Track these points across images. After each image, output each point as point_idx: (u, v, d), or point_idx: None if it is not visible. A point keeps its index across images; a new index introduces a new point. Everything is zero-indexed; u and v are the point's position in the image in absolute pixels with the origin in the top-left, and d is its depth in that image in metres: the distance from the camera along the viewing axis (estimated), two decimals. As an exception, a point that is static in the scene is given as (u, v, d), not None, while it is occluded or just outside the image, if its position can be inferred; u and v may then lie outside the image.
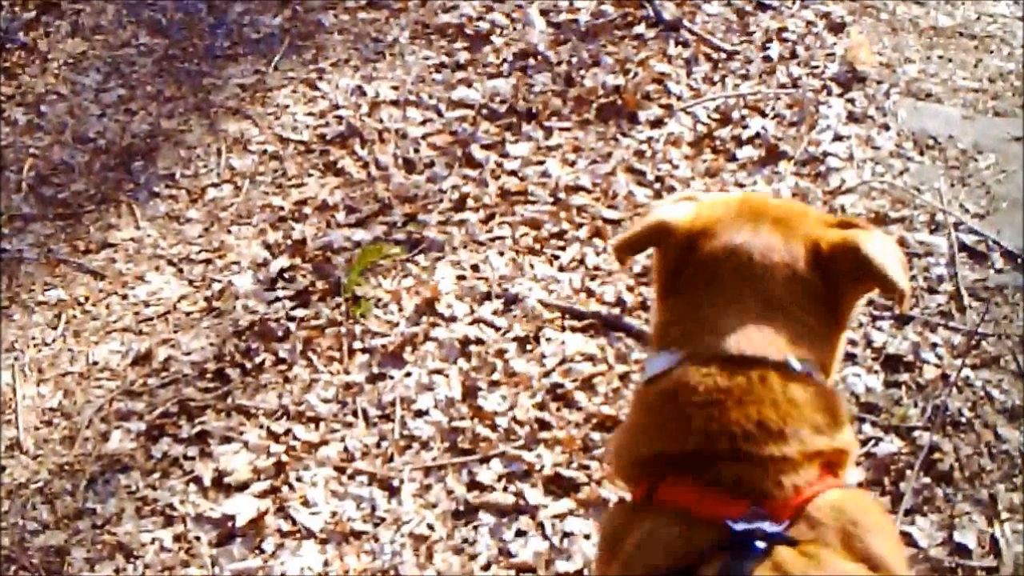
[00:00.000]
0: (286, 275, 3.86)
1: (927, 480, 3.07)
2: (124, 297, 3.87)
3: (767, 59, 4.68)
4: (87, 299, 3.87)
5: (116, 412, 3.45)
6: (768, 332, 1.75)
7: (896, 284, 1.73)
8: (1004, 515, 2.99)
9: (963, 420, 3.22)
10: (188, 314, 3.77)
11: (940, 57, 4.69)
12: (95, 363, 3.63)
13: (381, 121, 4.51)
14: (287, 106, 4.69)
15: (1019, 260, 3.71)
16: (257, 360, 3.56)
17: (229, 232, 4.08)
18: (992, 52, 4.71)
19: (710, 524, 1.61)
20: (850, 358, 3.38)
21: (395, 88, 4.70)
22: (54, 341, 3.74)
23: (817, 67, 4.61)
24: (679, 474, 1.70)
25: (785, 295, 1.78)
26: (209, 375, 3.56)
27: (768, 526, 1.59)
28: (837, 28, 4.81)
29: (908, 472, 3.07)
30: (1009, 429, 3.20)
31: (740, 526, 1.59)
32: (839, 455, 1.74)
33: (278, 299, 3.77)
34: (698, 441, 1.69)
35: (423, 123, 4.51)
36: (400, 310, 3.70)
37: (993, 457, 3.13)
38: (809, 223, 1.86)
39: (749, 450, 1.66)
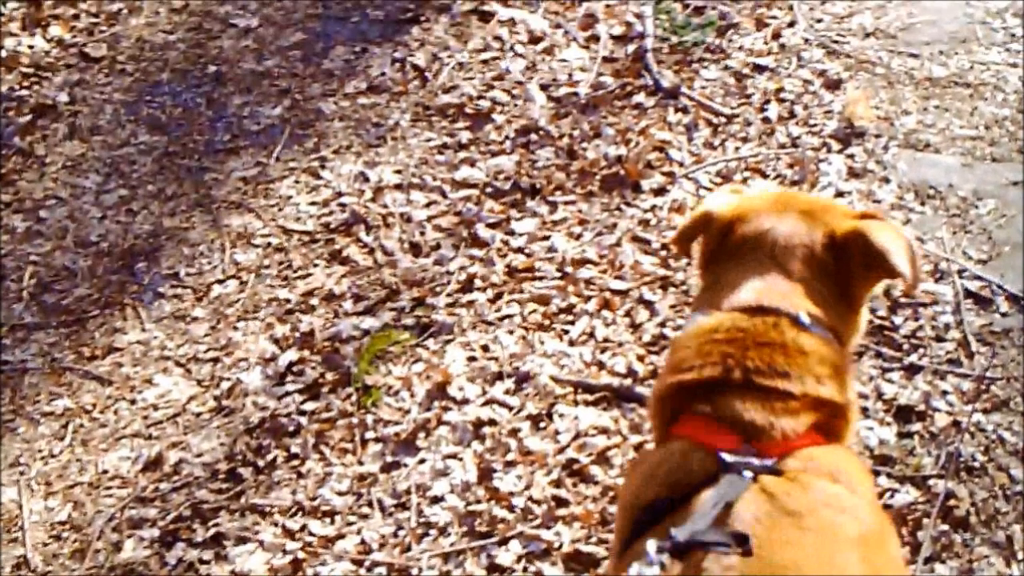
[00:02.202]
0: (295, 369, 3.99)
1: (944, 527, 3.19)
2: (132, 402, 3.98)
3: (766, 120, 4.82)
4: (94, 406, 3.98)
5: (128, 520, 3.56)
6: (785, 291, 2.15)
7: (898, 268, 2.10)
8: (1021, 555, 3.13)
9: (976, 465, 3.35)
10: (198, 415, 3.89)
11: (936, 107, 4.82)
12: (105, 471, 3.74)
13: (385, 206, 4.65)
14: (290, 197, 4.83)
15: (1023, 303, 3.82)
16: (269, 457, 3.69)
17: (236, 328, 4.20)
18: (987, 99, 4.84)
19: (707, 453, 1.93)
20: (863, 411, 3.48)
21: (398, 172, 4.84)
22: (61, 452, 3.84)
23: (816, 125, 4.74)
24: (691, 412, 2.06)
25: (802, 269, 2.18)
26: (221, 476, 3.67)
27: (756, 461, 1.89)
28: (834, 85, 4.94)
29: (925, 520, 3.18)
30: (1022, 470, 3.32)
31: (730, 458, 1.88)
32: (837, 411, 2.06)
33: (288, 393, 3.89)
34: (716, 370, 2.06)
35: (427, 205, 4.64)
36: (412, 396, 3.82)
37: (1008, 499, 3.25)
38: (831, 214, 2.25)
39: (759, 382, 2.01)
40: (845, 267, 2.20)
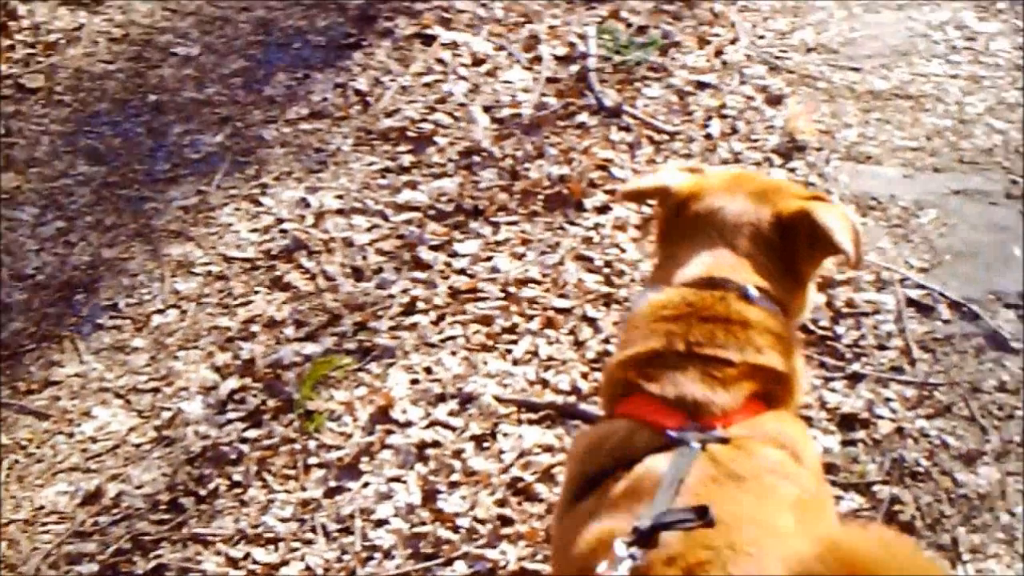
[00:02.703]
0: (236, 396, 3.96)
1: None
2: (70, 435, 3.92)
3: (708, 136, 4.87)
4: (31, 441, 3.91)
5: (66, 556, 3.49)
6: (732, 265, 2.27)
7: (840, 245, 2.19)
8: (966, 556, 3.19)
9: (921, 470, 3.41)
10: (138, 446, 3.85)
11: (878, 120, 4.90)
12: (41, 507, 3.67)
13: (327, 231, 4.65)
14: (231, 224, 4.81)
15: (964, 309, 3.92)
16: (211, 486, 3.65)
17: (176, 358, 4.17)
18: (928, 110, 4.94)
19: (652, 431, 2.00)
20: (806, 421, 3.50)
21: (340, 197, 4.84)
22: (-6, 490, 3.80)
23: (758, 140, 4.80)
24: (638, 390, 2.13)
25: (750, 246, 2.29)
26: (162, 506, 3.62)
27: (702, 433, 1.97)
28: (775, 100, 5.01)
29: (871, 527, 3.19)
30: (966, 473, 3.39)
31: (677, 433, 1.95)
32: (780, 379, 2.14)
33: (229, 422, 3.86)
34: (659, 343, 2.16)
35: (369, 229, 4.65)
36: (354, 420, 3.81)
37: (952, 502, 3.30)
38: (781, 195, 2.36)
39: (700, 353, 2.11)
40: (791, 244, 2.31)
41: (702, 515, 1.78)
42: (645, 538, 1.78)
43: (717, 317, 2.16)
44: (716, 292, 2.20)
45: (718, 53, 5.43)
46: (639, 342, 2.21)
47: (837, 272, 4.03)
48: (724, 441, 1.96)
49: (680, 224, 2.42)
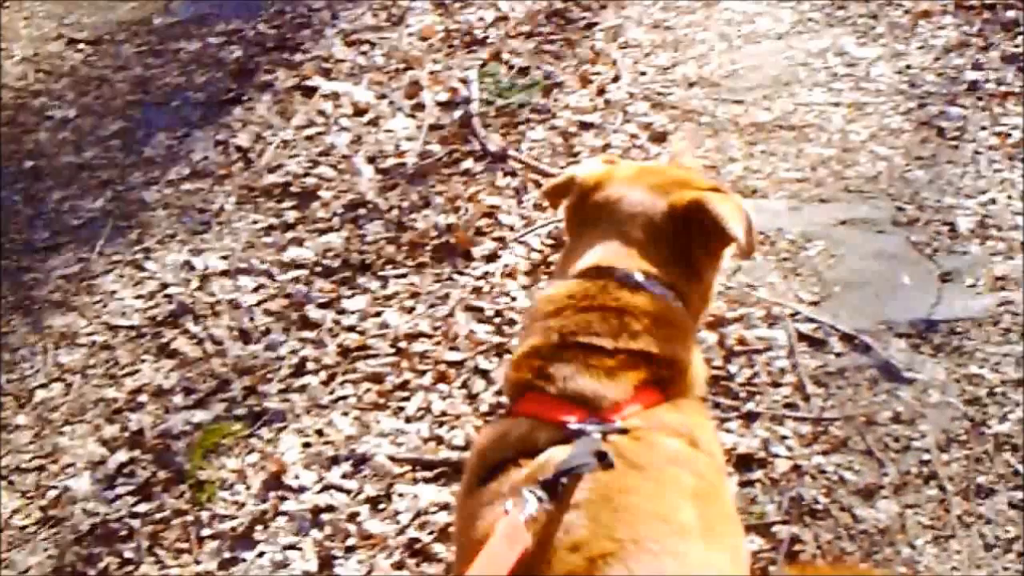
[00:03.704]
0: (126, 470, 3.93)
1: (792, 572, 3.24)
2: (-51, 523, 3.88)
3: (593, 178, 4.90)
4: (-94, 533, 3.85)
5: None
6: (620, 253, 2.35)
7: (731, 233, 2.29)
8: None
9: (820, 507, 3.43)
10: (22, 528, 3.80)
11: (763, 152, 4.96)
12: (-79, 601, 3.63)
13: (213, 294, 4.63)
14: (114, 291, 4.78)
15: (856, 341, 3.95)
16: (101, 565, 3.62)
17: (62, 433, 4.13)
18: (811, 140, 4.99)
19: (552, 427, 2.06)
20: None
21: (225, 257, 4.84)
22: None
23: (642, 179, 4.83)
24: (533, 388, 2.19)
25: (642, 235, 2.37)
26: (50, 590, 3.59)
27: (601, 424, 2.04)
28: (659, 137, 5.07)
29: (772, 568, 3.25)
30: (865, 508, 3.42)
31: (576, 425, 2.02)
32: (668, 364, 2.21)
33: (119, 497, 3.83)
34: (543, 336, 2.25)
35: (256, 290, 4.64)
36: (247, 488, 3.79)
37: (853, 538, 3.34)
38: (681, 187, 2.43)
39: (576, 341, 2.19)
40: (685, 234, 2.38)
41: (602, 458, 1.91)
42: (550, 485, 1.88)
43: (594, 306, 2.25)
44: (599, 281, 2.29)
45: (601, 92, 5.50)
46: (528, 339, 2.30)
47: (729, 311, 4.09)
48: (624, 432, 2.04)
49: (582, 215, 2.53)
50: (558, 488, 1.89)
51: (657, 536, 1.84)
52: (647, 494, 1.93)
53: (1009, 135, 4.85)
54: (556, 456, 1.98)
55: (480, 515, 2.01)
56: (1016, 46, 5.45)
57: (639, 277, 2.29)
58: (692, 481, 2.00)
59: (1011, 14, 5.69)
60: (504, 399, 2.61)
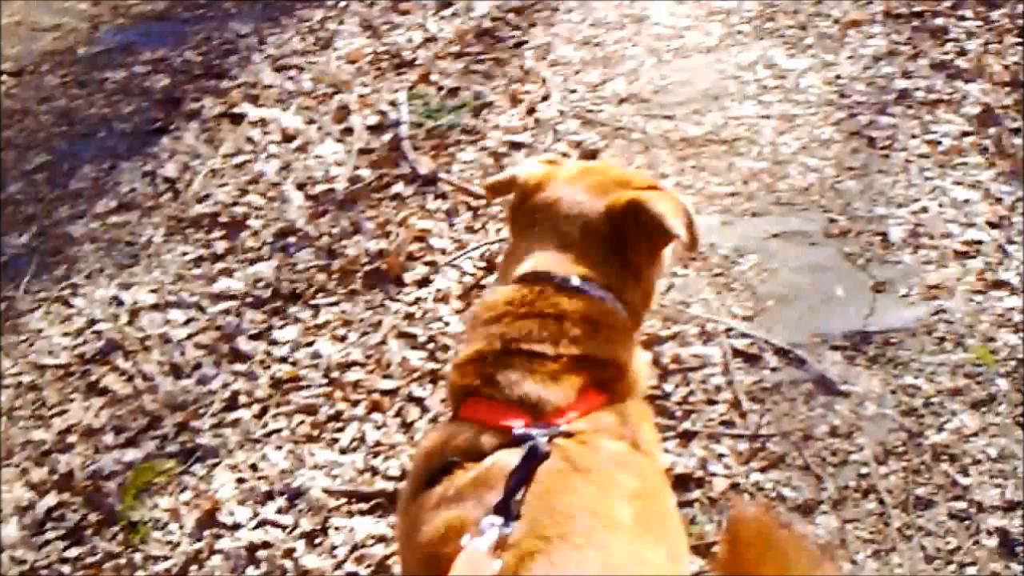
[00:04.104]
0: (55, 514, 3.86)
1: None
2: None
3: (525, 198, 4.89)
4: None
5: None
6: (558, 257, 2.34)
7: (672, 230, 2.28)
8: None
9: (759, 525, 3.41)
10: (-51, 579, 3.74)
11: (693, 167, 4.97)
12: None
13: (142, 329, 4.58)
14: (41, 330, 4.71)
15: (791, 355, 3.95)
16: (31, 613, 3.57)
17: (-12, 479, 4.07)
18: (742, 154, 5.01)
19: (497, 432, 2.08)
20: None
21: (154, 291, 4.78)
22: None
23: (573, 197, 4.82)
24: (476, 394, 2.20)
25: (579, 237, 2.36)
26: (-21, 643, 3.53)
27: (546, 428, 2.04)
28: (590, 155, 5.05)
29: (710, 582, 3.24)
30: (804, 524, 3.40)
31: (521, 430, 2.05)
32: (607, 365, 2.23)
33: (48, 542, 3.76)
34: (483, 344, 2.24)
35: (186, 323, 4.59)
36: (180, 527, 3.74)
37: (793, 555, 3.32)
38: (621, 187, 2.42)
39: (518, 348, 2.19)
40: (624, 234, 2.37)
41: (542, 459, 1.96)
42: (505, 509, 1.88)
43: (532, 313, 2.24)
44: (536, 287, 2.28)
45: (531, 111, 5.50)
46: (469, 345, 2.31)
47: (663, 329, 4.09)
48: (569, 435, 2.05)
49: (523, 216, 2.51)
50: (510, 507, 1.88)
51: (583, 531, 1.86)
52: (586, 495, 1.95)
53: (939, 143, 4.89)
54: (502, 460, 1.99)
55: (424, 519, 2.00)
56: (945, 53, 5.51)
57: (576, 281, 2.28)
58: (634, 483, 2.02)
59: (939, 21, 5.76)
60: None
